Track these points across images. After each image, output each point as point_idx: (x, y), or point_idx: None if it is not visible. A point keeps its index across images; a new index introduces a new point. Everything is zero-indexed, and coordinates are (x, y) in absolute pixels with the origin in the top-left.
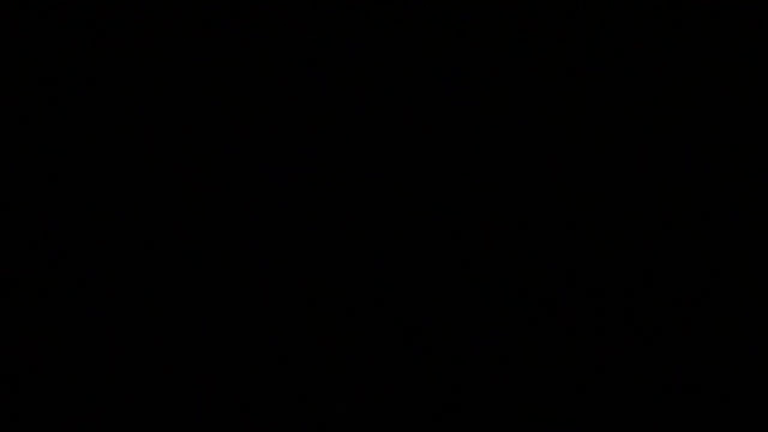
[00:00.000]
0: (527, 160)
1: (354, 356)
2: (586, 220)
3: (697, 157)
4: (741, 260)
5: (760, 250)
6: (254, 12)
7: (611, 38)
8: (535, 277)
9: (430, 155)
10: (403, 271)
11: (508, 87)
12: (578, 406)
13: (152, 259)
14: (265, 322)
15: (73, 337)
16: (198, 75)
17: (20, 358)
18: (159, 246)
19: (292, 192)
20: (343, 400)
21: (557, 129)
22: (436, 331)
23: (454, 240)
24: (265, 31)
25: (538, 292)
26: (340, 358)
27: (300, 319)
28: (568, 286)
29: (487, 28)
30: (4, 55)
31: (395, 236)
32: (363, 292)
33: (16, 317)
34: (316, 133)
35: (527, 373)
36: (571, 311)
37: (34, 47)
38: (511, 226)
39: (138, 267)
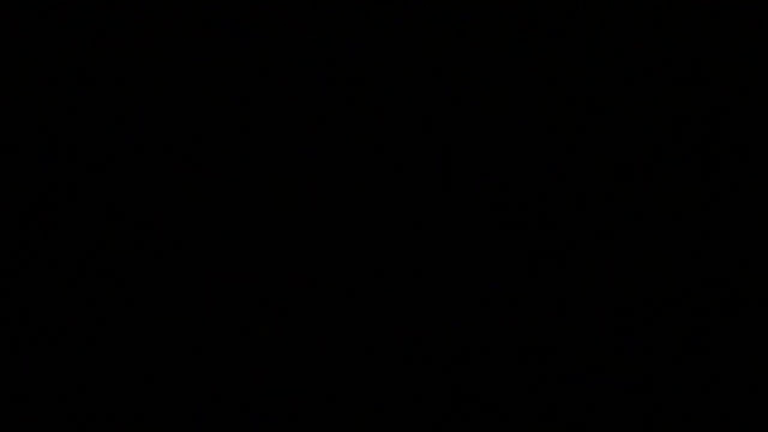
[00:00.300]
0: (527, 160)
1: (354, 356)
2: (587, 219)
3: (697, 157)
4: (741, 260)
5: (760, 249)
6: (254, 12)
7: (611, 38)
8: (536, 276)
9: (430, 155)
10: (403, 271)
11: (508, 87)
12: (578, 407)
13: (152, 258)
14: (264, 322)
15: (73, 337)
16: (198, 75)
17: (20, 358)
18: (159, 246)
19: (291, 192)
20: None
21: (557, 129)
22: (436, 332)
23: (453, 240)
24: (265, 31)
25: (539, 292)
26: (340, 357)
27: (300, 318)
28: (569, 286)
29: (487, 28)
30: (4, 55)
31: (395, 236)
32: (363, 291)
33: (16, 317)
34: (316, 133)
35: (527, 374)
36: (571, 311)
37: (34, 47)
38: (511, 226)
39: (137, 267)
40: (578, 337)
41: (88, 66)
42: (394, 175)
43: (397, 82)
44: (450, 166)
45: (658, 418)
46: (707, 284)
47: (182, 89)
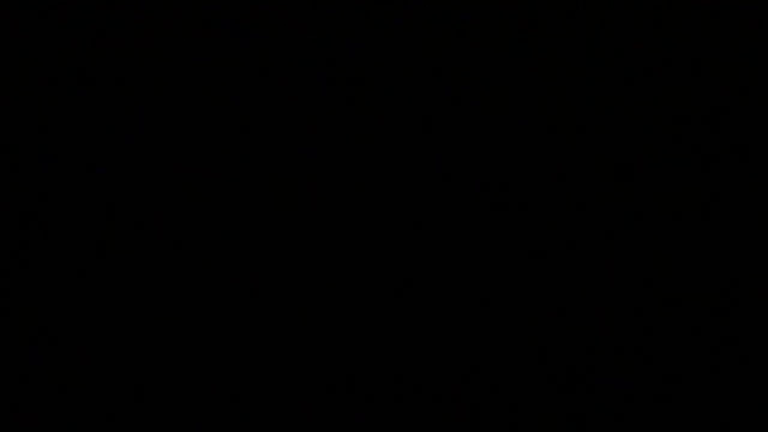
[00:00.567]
0: (527, 160)
1: (353, 356)
2: (586, 220)
3: (696, 157)
4: (741, 260)
5: (760, 250)
6: (254, 12)
7: (611, 38)
8: (535, 277)
9: (429, 155)
10: (403, 272)
11: (508, 87)
12: (578, 407)
13: (151, 259)
14: (264, 321)
15: (73, 337)
16: (198, 75)
17: (20, 358)
18: (159, 246)
19: (291, 192)
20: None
21: (557, 129)
22: (436, 332)
23: (453, 240)
24: (265, 31)
25: (538, 293)
26: (340, 358)
27: (299, 319)
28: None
29: (487, 28)
30: (4, 55)
31: (395, 236)
32: (363, 291)
33: (15, 317)
34: (316, 133)
35: (527, 374)
36: (570, 312)
37: (34, 47)
38: (511, 225)
39: (137, 267)
40: (578, 338)
41: (88, 66)
42: (394, 175)
43: (397, 82)
44: (450, 166)
45: (657, 418)
46: (707, 284)
47: (182, 89)
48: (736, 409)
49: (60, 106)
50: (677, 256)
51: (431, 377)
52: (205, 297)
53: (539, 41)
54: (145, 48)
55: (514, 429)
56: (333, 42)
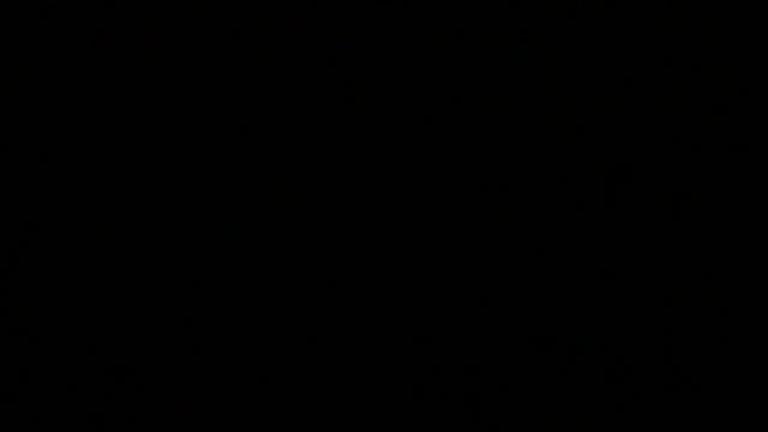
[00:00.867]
0: (527, 160)
1: (354, 356)
2: (586, 220)
3: (696, 157)
4: (741, 260)
5: (760, 250)
6: (254, 12)
7: (611, 38)
8: (535, 277)
9: (429, 155)
10: (403, 271)
11: (508, 87)
12: (577, 408)
13: (151, 259)
14: (264, 321)
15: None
16: (198, 75)
17: (19, 358)
18: (159, 246)
19: (292, 192)
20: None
21: (557, 129)
22: (435, 331)
23: (453, 239)
24: (265, 31)
25: (538, 294)
26: (340, 358)
27: (300, 318)
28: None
29: (487, 28)
30: (4, 55)
31: (395, 236)
32: (363, 291)
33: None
34: (316, 133)
35: (526, 374)
36: (570, 312)
37: (34, 47)
38: (511, 226)
39: (137, 266)
40: (577, 337)
41: (88, 66)
42: (394, 175)
43: (397, 82)
44: (450, 166)
45: (657, 417)
46: (707, 284)
47: (182, 89)
48: (736, 409)
49: (60, 106)
50: (677, 256)
51: (431, 377)
52: (205, 297)
53: (539, 41)
54: (145, 48)
55: (514, 429)
56: (333, 42)
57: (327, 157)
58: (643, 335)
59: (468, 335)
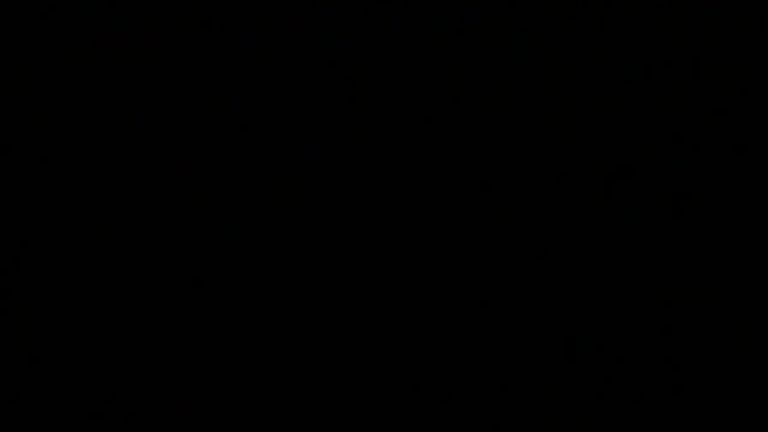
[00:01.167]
0: (527, 160)
1: (353, 356)
2: (586, 220)
3: (696, 157)
4: (741, 260)
5: (760, 250)
6: (254, 12)
7: (611, 38)
8: (535, 277)
9: (429, 155)
10: (402, 271)
11: (508, 87)
12: (577, 408)
13: (151, 258)
14: (264, 321)
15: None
16: (198, 75)
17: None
18: (158, 246)
19: (291, 192)
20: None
21: (556, 129)
22: (435, 331)
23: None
24: (265, 31)
25: (538, 293)
26: (340, 357)
27: (299, 318)
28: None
29: (487, 28)
30: (4, 55)
31: (394, 236)
32: (363, 291)
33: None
34: (316, 133)
35: (526, 374)
36: (570, 313)
37: (34, 47)
38: (511, 226)
39: (137, 267)
40: (578, 338)
41: (88, 66)
42: (394, 175)
43: (397, 82)
44: (449, 166)
45: (657, 417)
46: (707, 284)
47: (182, 89)
48: (737, 409)
49: (60, 106)
50: (677, 256)
51: (431, 377)
52: (205, 297)
53: (539, 41)
54: (145, 48)
55: (514, 429)
56: (333, 42)
57: (327, 157)
58: (643, 335)
59: (468, 335)
